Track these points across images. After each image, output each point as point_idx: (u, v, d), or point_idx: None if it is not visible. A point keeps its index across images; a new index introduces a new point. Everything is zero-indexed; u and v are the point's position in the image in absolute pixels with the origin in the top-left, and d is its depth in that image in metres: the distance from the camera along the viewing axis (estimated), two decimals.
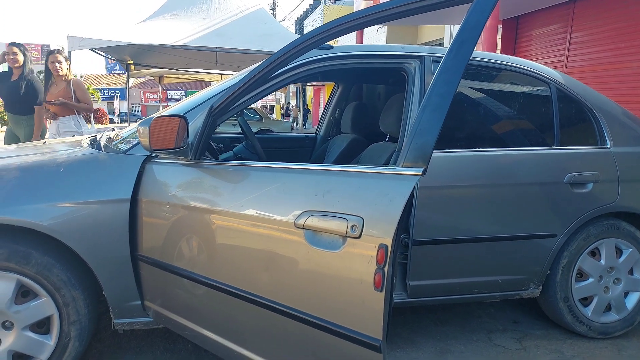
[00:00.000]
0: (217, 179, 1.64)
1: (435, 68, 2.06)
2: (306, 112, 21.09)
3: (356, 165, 1.45)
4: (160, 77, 15.62)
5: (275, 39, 9.26)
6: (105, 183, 1.71)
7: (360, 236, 1.24)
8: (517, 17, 8.50)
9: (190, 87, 45.67)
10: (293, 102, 31.40)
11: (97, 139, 2.27)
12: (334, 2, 21.89)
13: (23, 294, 1.69)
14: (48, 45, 44.60)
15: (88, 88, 32.57)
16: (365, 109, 3.01)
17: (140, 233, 1.73)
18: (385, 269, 1.16)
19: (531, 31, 8.20)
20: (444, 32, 12.89)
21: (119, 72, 49.38)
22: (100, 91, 37.77)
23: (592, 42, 6.46)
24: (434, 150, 1.97)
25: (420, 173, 1.18)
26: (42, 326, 1.73)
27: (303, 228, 1.35)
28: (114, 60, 11.58)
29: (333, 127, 3.50)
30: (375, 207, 1.23)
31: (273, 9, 27.83)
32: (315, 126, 21.99)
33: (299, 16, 29.67)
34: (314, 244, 1.33)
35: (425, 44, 13.80)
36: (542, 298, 2.28)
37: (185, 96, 48.85)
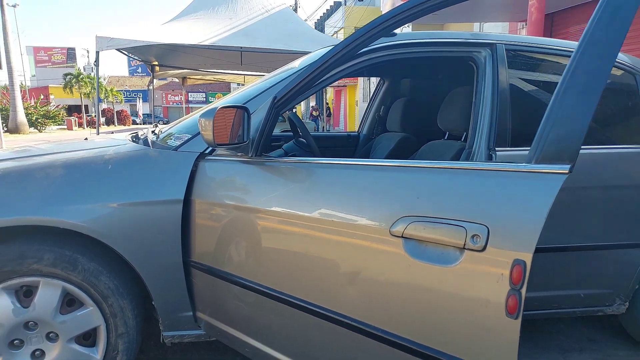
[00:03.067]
0: (285, 178, 1.47)
1: (509, 57, 1.86)
2: (327, 113, 20.90)
3: (471, 162, 1.25)
4: (184, 78, 15.66)
5: (302, 39, 9.13)
6: (156, 182, 1.56)
7: (484, 248, 1.03)
8: (552, 15, 8.18)
9: (211, 89, 46.00)
10: (312, 102, 31.32)
11: (140, 135, 2.13)
12: (362, 0, 21.61)
13: (68, 303, 1.56)
14: (73, 49, 45.63)
15: (111, 90, 33.19)
16: (416, 106, 2.81)
17: (193, 237, 1.58)
18: (522, 291, 0.96)
19: (567, 29, 7.87)
20: (473, 30, 12.57)
21: (141, 74, 50.16)
22: (124, 93, 38.32)
23: (630, 40, 6.13)
24: (509, 148, 1.80)
25: (567, 171, 0.96)
26: (87, 338, 1.59)
27: (402, 237, 1.15)
28: (139, 61, 11.60)
29: (377, 125, 3.30)
30: (505, 213, 1.02)
31: (295, 10, 27.77)
32: (336, 127, 21.85)
33: (319, 17, 29.54)
34: (418, 257, 1.13)
35: None
36: (628, 315, 2.04)
37: (206, 98, 49.24)
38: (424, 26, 14.27)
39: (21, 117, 20.22)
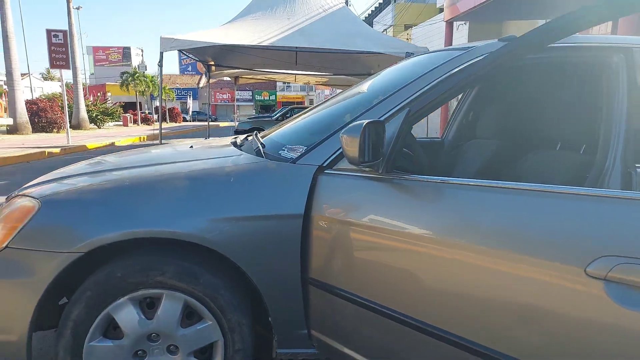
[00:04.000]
0: (423, 200, 1.38)
1: None
2: None
3: None
4: (236, 77, 15.95)
5: (360, 38, 9.02)
6: (276, 196, 1.52)
7: None
8: None
9: (258, 87, 46.82)
10: None
11: (239, 142, 2.11)
12: None
13: (187, 316, 1.55)
14: (129, 48, 47.78)
15: (164, 88, 34.33)
16: (515, 111, 2.63)
17: (311, 253, 1.52)
18: None
19: None
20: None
21: (191, 72, 51.82)
22: (175, 91, 39.67)
23: None
24: None
25: None
26: (204, 352, 1.58)
27: (604, 279, 1.00)
28: (197, 61, 11.89)
29: (465, 130, 3.15)
30: None
31: None
32: None
33: (368, 14, 29.27)
34: (631, 306, 0.98)
35: None
36: None
37: (253, 96, 50.20)
38: (481, 24, 13.76)
39: (83, 113, 21.33)
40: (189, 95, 42.05)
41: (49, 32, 12.84)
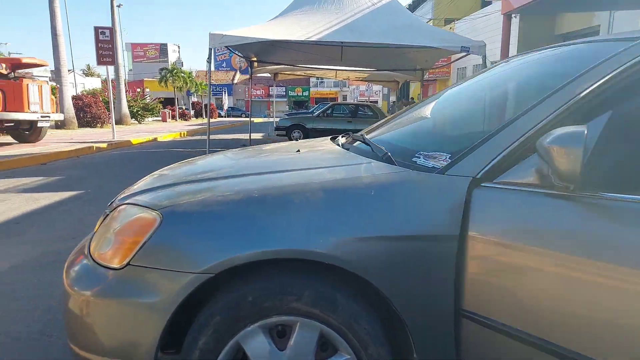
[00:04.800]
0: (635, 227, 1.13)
1: None
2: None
3: None
4: (275, 74, 15.86)
5: (410, 31, 8.69)
6: (425, 213, 1.31)
7: None
8: None
9: (291, 83, 46.86)
10: (392, 97, 30.42)
11: (346, 142, 1.91)
12: None
13: (320, 348, 1.36)
14: (165, 45, 48.69)
15: (200, 84, 34.84)
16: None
17: (468, 281, 1.30)
18: None
19: None
20: (593, 20, 11.27)
21: (225, 69, 52.42)
22: (213, 87, 40.15)
23: None
24: None
25: None
26: None
27: None
28: (240, 56, 11.85)
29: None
30: None
31: None
32: None
33: (406, 7, 28.65)
34: None
35: (566, 35, 12.20)
36: None
37: (286, 92, 50.32)
38: (534, 17, 13.04)
39: (125, 109, 21.81)
40: (224, 92, 42.49)
41: (96, 29, 13.06)
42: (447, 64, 16.11)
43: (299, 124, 13.71)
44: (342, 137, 2.29)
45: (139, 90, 29.53)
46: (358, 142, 1.94)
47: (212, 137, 15.67)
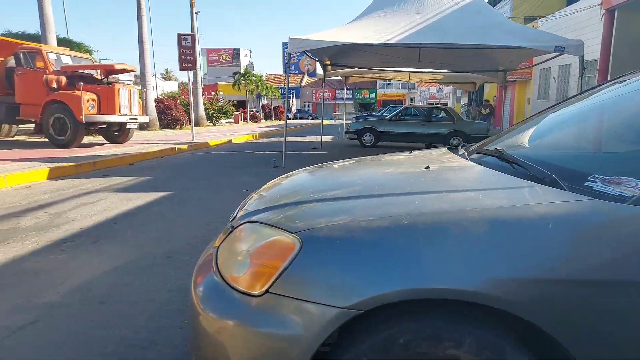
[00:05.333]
0: None
1: None
2: (489, 112, 19.10)
3: None
4: (346, 77, 15.77)
5: (496, 30, 8.18)
6: (617, 253, 1.08)
7: None
8: None
9: (358, 85, 46.71)
10: (464, 99, 29.10)
11: (479, 159, 1.70)
12: None
13: None
14: (238, 50, 50.57)
15: (270, 87, 35.70)
16: None
17: None
18: None
19: None
20: None
21: (293, 72, 53.37)
22: (280, 90, 41.09)
23: None
24: None
25: None
26: None
27: None
28: (314, 59, 11.88)
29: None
30: None
31: None
32: (496, 127, 19.61)
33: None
34: None
35: None
36: None
37: (353, 95, 50.21)
38: (631, 14, 11.79)
39: (201, 111, 22.84)
40: (292, 94, 43.31)
41: (179, 35, 13.73)
42: (530, 66, 15.08)
43: (370, 127, 13.48)
44: (463, 147, 2.08)
45: (213, 93, 30.85)
46: (491, 156, 1.72)
47: (282, 139, 15.94)
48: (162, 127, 19.30)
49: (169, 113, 19.48)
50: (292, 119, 41.93)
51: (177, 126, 19.88)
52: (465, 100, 31.32)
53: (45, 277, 2.94)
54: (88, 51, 20.33)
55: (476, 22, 8.38)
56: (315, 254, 1.19)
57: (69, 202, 5.30)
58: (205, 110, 23.79)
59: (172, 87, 49.73)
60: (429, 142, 13.66)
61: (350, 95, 47.08)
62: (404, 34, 8.18)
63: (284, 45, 54.94)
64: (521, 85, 19.87)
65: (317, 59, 11.65)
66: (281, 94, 41.58)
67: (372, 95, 52.39)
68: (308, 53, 10.15)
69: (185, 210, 4.96)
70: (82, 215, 4.64)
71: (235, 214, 1.66)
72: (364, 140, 13.47)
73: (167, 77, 67.78)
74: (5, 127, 13.45)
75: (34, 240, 3.77)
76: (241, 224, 1.47)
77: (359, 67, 12.89)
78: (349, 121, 22.31)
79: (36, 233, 3.97)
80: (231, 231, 1.52)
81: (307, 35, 8.41)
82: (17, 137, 13.91)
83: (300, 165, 9.38)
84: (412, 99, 51.11)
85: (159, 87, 40.53)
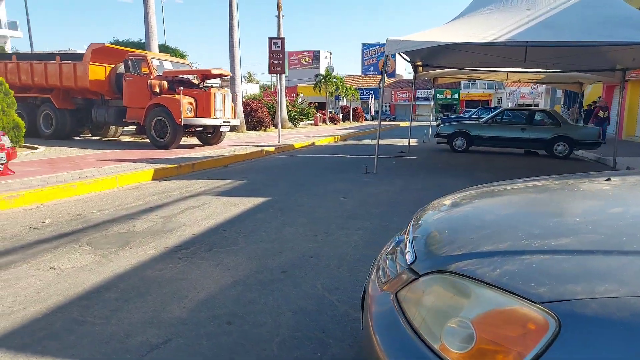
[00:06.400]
0: None
1: None
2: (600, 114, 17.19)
3: None
4: (435, 78, 15.07)
5: (623, 25, 7.20)
6: None
7: None
8: None
9: (439, 85, 44.99)
10: (557, 99, 26.49)
11: None
12: None
13: None
14: (318, 52, 51.22)
15: (350, 88, 35.57)
16: None
17: None
18: None
19: None
20: None
21: (372, 73, 52.97)
22: (359, 91, 40.83)
23: None
24: None
25: None
26: None
27: None
28: (407, 61, 11.44)
29: None
30: None
31: None
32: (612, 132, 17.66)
33: None
34: None
35: None
36: None
37: (434, 95, 48.49)
38: None
39: (284, 113, 23.25)
40: (371, 95, 42.84)
41: (270, 40, 14.00)
42: None
43: (462, 130, 12.72)
44: None
45: (294, 95, 31.40)
46: None
47: (364, 142, 15.61)
48: (248, 128, 19.91)
49: (255, 115, 20.05)
50: (370, 121, 41.46)
51: (262, 128, 20.40)
52: (560, 101, 28.73)
53: (169, 288, 2.93)
54: (182, 57, 21.56)
55: (598, 16, 7.46)
56: (586, 344, 0.88)
57: (177, 206, 5.45)
58: (287, 112, 24.21)
59: (254, 89, 51.55)
60: (529, 148, 12.60)
61: (430, 96, 45.53)
62: (512, 32, 7.50)
63: (364, 46, 54.72)
64: (634, 86, 17.69)
65: (408, 60, 11.19)
66: (360, 95, 41.27)
67: (455, 96, 50.21)
68: (402, 54, 9.75)
69: (288, 218, 4.86)
70: (191, 220, 4.71)
71: (401, 249, 1.40)
72: (455, 144, 12.75)
73: (249, 79, 70.54)
74: (113, 128, 14.62)
75: (151, 245, 3.85)
76: (434, 273, 1.21)
77: (452, 68, 12.21)
78: (435, 123, 21.41)
79: (152, 238, 4.07)
80: (415, 279, 1.27)
81: (406, 37, 8.04)
82: (121, 138, 15.07)
83: (393, 171, 9.03)
84: (500, 100, 48.19)
85: (242, 90, 42.00)
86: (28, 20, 24.68)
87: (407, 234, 1.66)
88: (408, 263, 1.37)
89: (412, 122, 14.81)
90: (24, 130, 10.29)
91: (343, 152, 13.20)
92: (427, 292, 1.20)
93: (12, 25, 37.94)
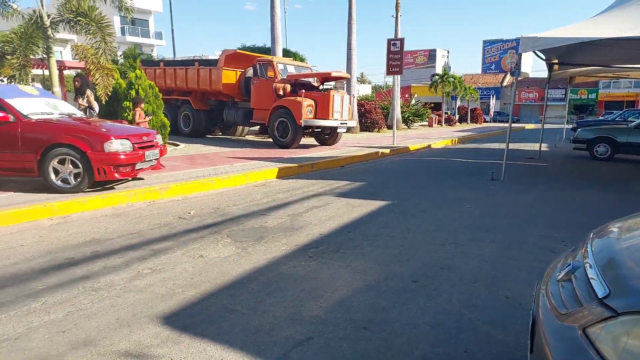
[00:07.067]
0: None
1: None
2: None
3: None
4: (572, 77, 13.55)
5: None
6: None
7: None
8: None
9: (574, 85, 40.47)
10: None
11: None
12: None
13: None
14: (434, 51, 49.53)
15: (468, 88, 33.79)
16: None
17: None
18: None
19: None
20: None
21: (494, 71, 49.62)
22: (479, 90, 38.55)
23: None
24: None
25: None
26: None
27: None
28: (542, 59, 10.45)
29: None
30: None
31: None
32: None
33: None
34: None
35: None
36: None
37: (565, 94, 43.71)
38: None
39: (398, 114, 22.94)
40: (492, 95, 40.04)
41: (389, 41, 13.90)
42: None
43: (606, 136, 11.24)
44: None
45: (408, 96, 30.82)
46: None
47: (485, 145, 14.67)
48: (362, 130, 20.05)
49: (369, 116, 20.11)
50: (490, 122, 38.93)
51: (375, 129, 20.39)
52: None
53: (304, 285, 3.05)
54: (301, 60, 22.50)
55: None
56: None
57: (301, 204, 5.69)
58: (401, 113, 23.86)
59: (366, 90, 51.81)
60: None
61: (562, 96, 41.08)
62: None
63: (485, 43, 51.41)
64: None
65: (543, 58, 10.22)
66: (480, 95, 38.89)
67: (592, 96, 44.64)
68: (536, 52, 8.94)
69: (412, 224, 4.76)
70: (317, 220, 4.87)
71: (580, 277, 1.25)
72: (597, 151, 11.32)
73: (361, 80, 71.09)
74: (240, 127, 15.84)
75: (283, 242, 4.06)
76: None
77: (596, 65, 10.85)
78: (569, 126, 19.29)
79: (283, 235, 4.29)
80: (611, 316, 1.12)
81: (543, 33, 7.35)
82: (247, 137, 16.25)
83: (522, 179, 8.33)
84: None
85: (356, 91, 42.39)
86: (172, 30, 27.85)
87: (586, 260, 1.49)
88: (599, 296, 1.23)
89: (539, 124, 13.50)
90: (169, 129, 11.66)
91: (462, 155, 12.58)
92: (633, 334, 1.05)
93: (158, 35, 43.40)
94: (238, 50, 14.12)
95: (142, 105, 9.27)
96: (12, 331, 2.38)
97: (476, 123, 35.99)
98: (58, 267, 3.35)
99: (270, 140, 13.01)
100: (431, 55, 47.66)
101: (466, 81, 39.14)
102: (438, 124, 29.61)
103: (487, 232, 4.48)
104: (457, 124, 33.04)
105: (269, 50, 17.60)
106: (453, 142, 17.50)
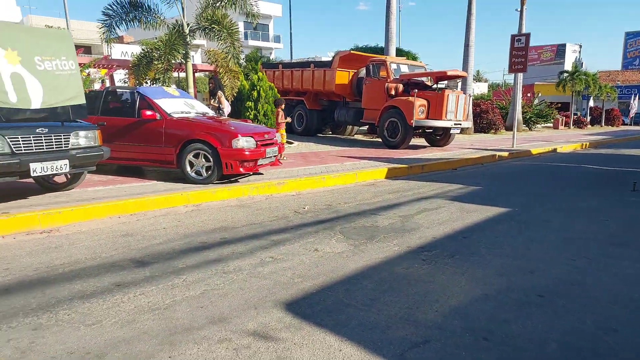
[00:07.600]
0: None
1: None
2: None
3: None
4: None
5: None
6: None
7: None
8: None
9: None
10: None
11: None
12: None
13: None
14: (563, 45, 44.87)
15: (604, 87, 29.95)
16: None
17: None
18: None
19: None
20: None
21: (637, 67, 43.29)
22: (617, 89, 33.97)
23: None
24: None
25: None
26: None
27: None
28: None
29: None
30: None
31: None
32: None
33: None
34: None
35: None
36: None
37: None
38: None
39: (518, 115, 21.26)
40: (634, 94, 34.89)
41: (513, 37, 13.00)
42: None
43: None
44: None
45: (529, 95, 28.39)
46: None
47: (623, 151, 12.99)
48: (476, 131, 19.01)
49: (485, 117, 18.99)
50: (630, 125, 34.10)
51: (492, 130, 19.18)
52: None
53: (418, 288, 3.03)
54: (414, 59, 22.05)
55: None
56: None
57: (412, 206, 5.62)
58: (522, 114, 22.08)
59: (482, 88, 48.94)
60: None
61: None
62: None
63: (628, 35, 45.10)
64: None
65: None
66: (618, 94, 34.21)
67: None
68: None
69: (535, 234, 4.41)
70: (429, 222, 4.77)
71: None
72: None
73: (477, 78, 67.27)
74: (349, 127, 16.10)
75: (395, 242, 4.06)
76: None
77: None
78: None
79: (394, 235, 4.29)
80: None
81: None
82: (355, 136, 16.46)
83: None
84: None
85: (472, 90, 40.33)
86: (291, 34, 29.49)
87: None
88: None
89: None
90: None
91: (595, 162, 11.25)
92: None
93: (277, 39, 45.99)
94: (352, 51, 14.35)
95: (283, 106, 9.62)
96: (161, 302, 2.76)
97: (612, 126, 31.75)
98: (194, 250, 3.78)
99: (379, 140, 13.01)
100: (559, 50, 43.32)
101: (601, 79, 34.75)
102: (565, 125, 26.80)
103: (625, 249, 3.97)
104: (589, 126, 29.53)
105: (381, 50, 17.57)
106: (583, 147, 15.73)
